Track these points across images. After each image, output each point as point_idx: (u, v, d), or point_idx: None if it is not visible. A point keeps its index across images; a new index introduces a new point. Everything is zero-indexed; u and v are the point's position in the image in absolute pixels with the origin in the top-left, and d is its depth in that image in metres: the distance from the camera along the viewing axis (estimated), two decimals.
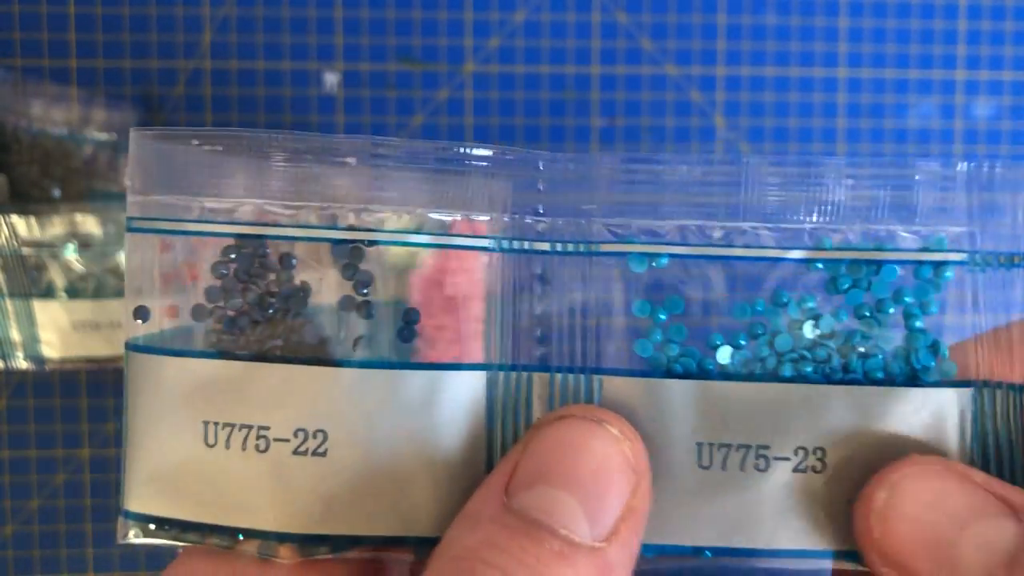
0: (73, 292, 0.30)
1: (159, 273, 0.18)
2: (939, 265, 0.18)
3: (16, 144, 0.31)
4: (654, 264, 0.18)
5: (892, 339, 0.18)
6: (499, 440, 0.18)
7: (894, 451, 0.18)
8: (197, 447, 0.18)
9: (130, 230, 0.19)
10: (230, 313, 0.18)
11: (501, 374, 0.18)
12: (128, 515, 0.18)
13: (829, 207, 0.18)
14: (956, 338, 0.18)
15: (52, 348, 0.30)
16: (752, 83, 0.34)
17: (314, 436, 0.18)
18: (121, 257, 0.30)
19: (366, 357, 0.18)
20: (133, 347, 0.19)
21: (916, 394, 0.18)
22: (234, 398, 0.18)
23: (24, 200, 0.31)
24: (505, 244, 0.18)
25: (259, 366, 0.18)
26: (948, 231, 0.18)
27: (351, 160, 0.18)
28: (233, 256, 0.18)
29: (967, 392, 0.18)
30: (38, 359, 0.30)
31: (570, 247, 0.18)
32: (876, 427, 0.18)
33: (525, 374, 0.18)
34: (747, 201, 0.18)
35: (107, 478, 0.34)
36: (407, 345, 0.18)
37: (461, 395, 0.18)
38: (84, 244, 0.29)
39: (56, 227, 0.29)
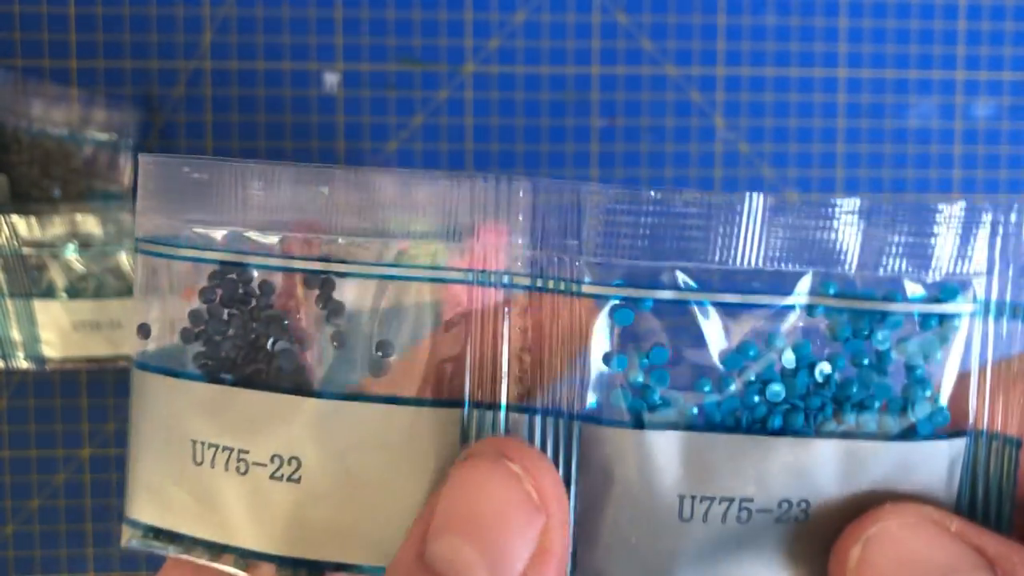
0: (73, 292, 0.30)
1: (159, 293, 0.19)
2: (947, 317, 0.17)
3: (16, 144, 0.31)
4: (639, 307, 0.17)
5: (890, 388, 0.17)
6: None
7: (878, 501, 0.17)
8: (187, 463, 0.18)
9: (136, 251, 0.19)
10: (216, 338, 0.18)
11: (476, 412, 0.18)
12: (127, 521, 0.19)
13: (835, 251, 0.17)
14: (957, 388, 0.17)
15: (52, 348, 0.30)
16: (752, 83, 0.34)
17: (288, 463, 0.18)
18: (121, 257, 0.30)
19: (338, 388, 0.18)
20: (136, 364, 0.19)
21: (909, 448, 0.17)
22: (218, 420, 0.18)
23: (24, 200, 0.31)
24: (483, 278, 0.18)
25: (240, 391, 0.18)
26: (960, 280, 0.17)
27: (324, 190, 0.18)
28: (218, 282, 0.18)
29: (961, 442, 0.17)
30: (38, 359, 0.30)
31: (551, 284, 0.18)
32: (864, 479, 0.17)
33: (501, 414, 0.18)
34: (745, 242, 0.17)
35: (107, 478, 0.34)
36: (381, 377, 0.18)
37: (434, 430, 0.18)
38: (84, 244, 0.29)
39: (56, 227, 0.29)
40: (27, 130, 0.31)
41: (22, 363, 0.30)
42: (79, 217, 0.29)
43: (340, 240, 0.18)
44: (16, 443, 0.33)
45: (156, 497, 0.19)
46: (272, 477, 0.18)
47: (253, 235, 0.18)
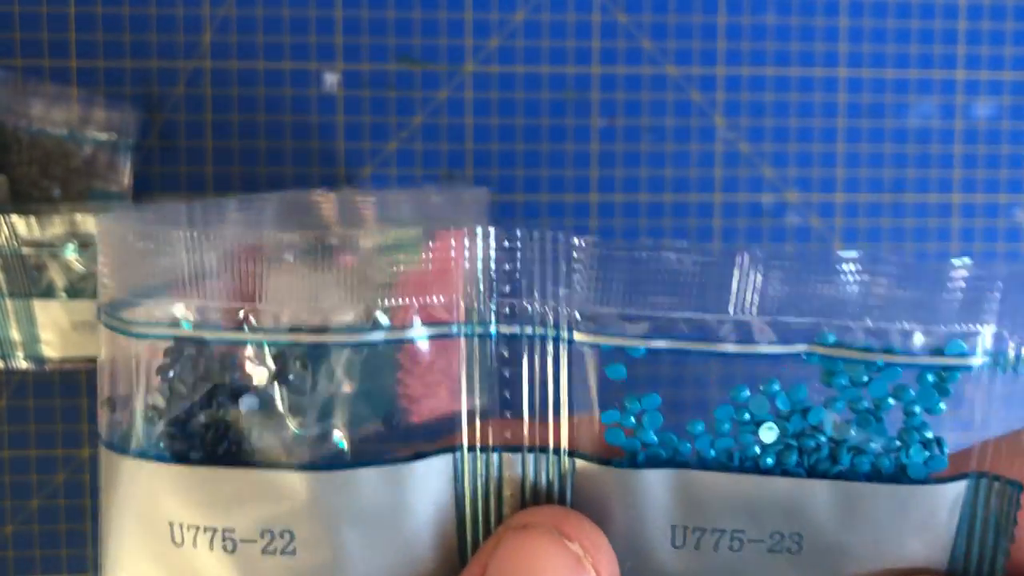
0: (73, 292, 0.30)
1: (120, 369, 0.18)
2: (949, 369, 0.17)
3: (16, 144, 0.31)
4: (632, 355, 0.17)
5: (886, 432, 0.17)
6: (469, 524, 0.18)
7: (877, 541, 0.17)
8: (165, 545, 0.18)
9: (98, 318, 0.18)
10: (179, 416, 0.18)
11: (468, 456, 0.18)
12: None
13: (835, 303, 0.17)
14: (958, 434, 0.17)
15: (52, 348, 0.30)
16: (752, 83, 0.34)
17: (280, 536, 0.17)
18: None
19: (320, 459, 0.17)
20: (104, 443, 0.18)
21: (907, 490, 0.17)
22: (194, 501, 0.17)
23: (24, 200, 0.31)
24: (468, 330, 0.17)
25: (215, 470, 0.17)
26: (965, 333, 0.17)
27: (288, 257, 0.17)
28: (176, 358, 0.17)
29: (961, 485, 0.17)
30: (38, 359, 0.30)
31: (540, 331, 0.17)
32: (860, 518, 0.17)
33: (495, 455, 0.18)
34: (741, 294, 0.17)
35: None
36: (382, 443, 0.18)
37: (426, 483, 0.17)
38: (84, 244, 0.29)
39: (56, 227, 0.29)
40: (27, 130, 0.31)
41: (22, 363, 0.30)
42: (79, 217, 0.29)
43: (310, 309, 0.17)
44: (16, 443, 0.33)
45: None
46: (265, 552, 0.17)
47: (210, 308, 0.17)
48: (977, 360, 0.17)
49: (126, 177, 0.32)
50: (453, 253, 0.17)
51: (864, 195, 0.35)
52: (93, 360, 0.31)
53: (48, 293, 0.30)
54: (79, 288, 0.30)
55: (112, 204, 0.31)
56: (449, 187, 0.33)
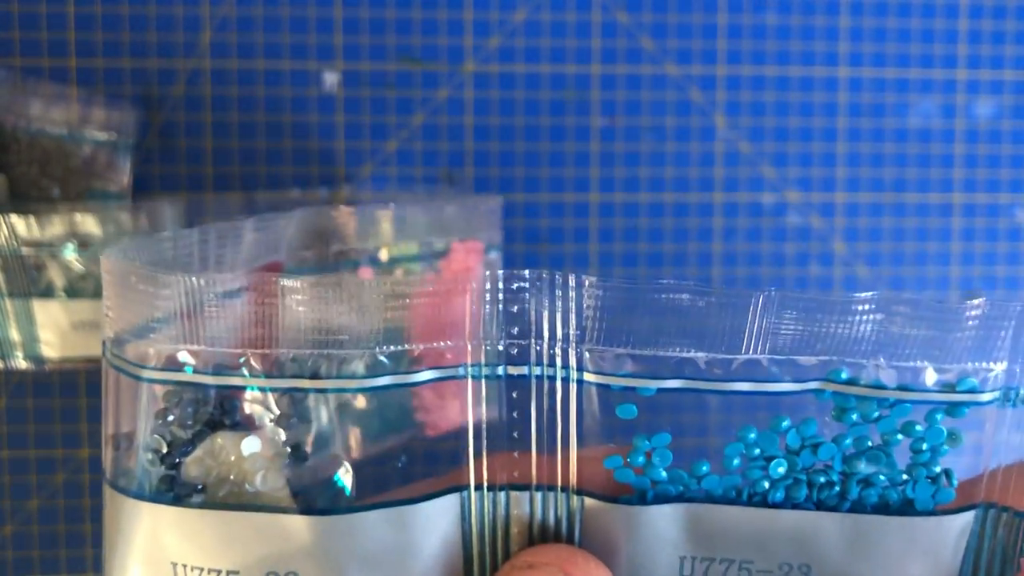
0: (73, 292, 0.30)
1: (124, 408, 0.18)
2: (959, 406, 0.17)
3: (15, 144, 0.31)
4: (643, 394, 0.17)
5: (895, 466, 0.17)
6: (476, 563, 0.18)
7: (884, 570, 0.17)
8: None
9: (103, 355, 0.18)
10: (180, 460, 0.17)
11: (476, 495, 0.17)
12: None
13: (847, 343, 0.17)
14: (967, 468, 0.17)
15: (51, 348, 0.30)
16: (753, 82, 0.34)
17: None
18: None
19: (325, 503, 0.17)
20: (107, 481, 0.18)
21: (915, 522, 0.17)
22: (197, 543, 0.17)
23: (23, 200, 0.31)
24: (475, 371, 0.17)
25: (218, 513, 0.17)
26: (976, 369, 0.17)
27: (292, 299, 0.16)
28: (176, 401, 0.17)
29: (968, 516, 0.17)
30: (37, 359, 0.30)
31: (549, 371, 0.17)
32: (869, 549, 0.17)
33: (502, 494, 0.17)
34: (753, 335, 0.17)
35: None
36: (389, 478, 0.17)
37: (433, 524, 0.17)
38: (83, 244, 0.29)
39: (55, 227, 0.29)
40: (26, 129, 0.31)
41: (21, 363, 0.30)
42: (78, 217, 0.29)
43: (315, 354, 0.17)
44: (15, 443, 0.33)
45: None
46: None
47: (211, 353, 0.17)
48: (987, 396, 0.17)
49: (125, 177, 0.31)
50: (470, 286, 0.17)
51: (865, 195, 0.35)
52: (92, 360, 0.31)
53: (47, 293, 0.30)
54: (78, 288, 0.30)
55: (111, 204, 0.31)
56: (462, 196, 0.33)
